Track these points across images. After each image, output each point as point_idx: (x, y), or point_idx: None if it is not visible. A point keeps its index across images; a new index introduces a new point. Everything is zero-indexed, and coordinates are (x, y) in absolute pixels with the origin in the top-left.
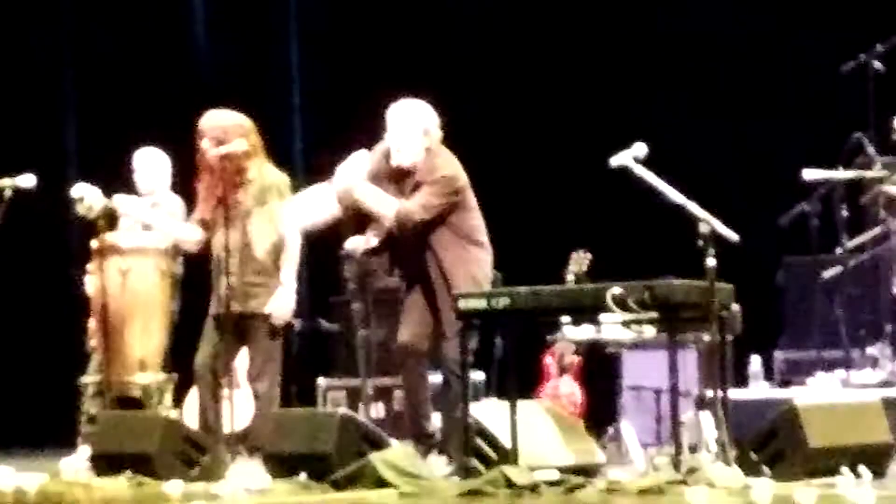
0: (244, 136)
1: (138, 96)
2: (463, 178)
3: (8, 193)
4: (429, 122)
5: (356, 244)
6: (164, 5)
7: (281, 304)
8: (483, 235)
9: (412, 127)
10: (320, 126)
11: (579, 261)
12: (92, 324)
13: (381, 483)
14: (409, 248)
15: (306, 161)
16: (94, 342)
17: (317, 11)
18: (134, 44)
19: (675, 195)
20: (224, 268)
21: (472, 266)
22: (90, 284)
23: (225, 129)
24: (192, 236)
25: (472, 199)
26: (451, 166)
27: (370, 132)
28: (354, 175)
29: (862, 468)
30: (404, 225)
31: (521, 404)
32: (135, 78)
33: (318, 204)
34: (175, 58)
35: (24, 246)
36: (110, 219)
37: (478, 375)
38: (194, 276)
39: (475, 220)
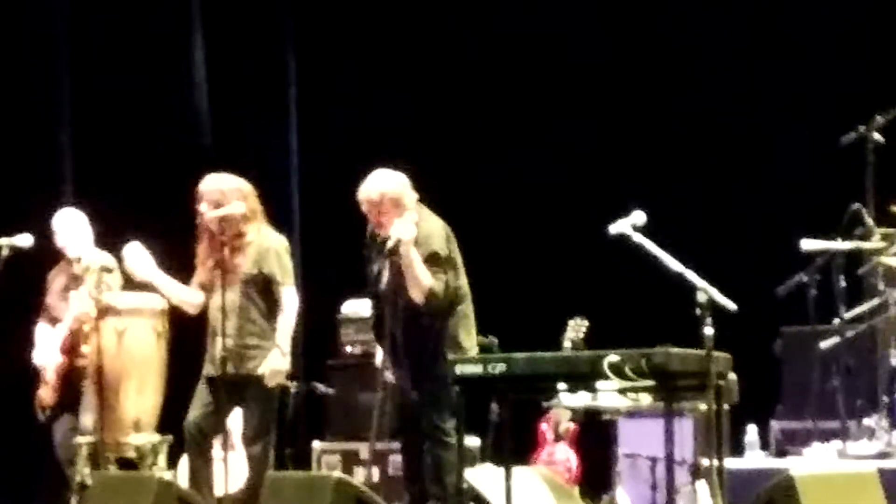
0: (242, 199)
1: (136, 159)
2: (452, 243)
3: (5, 252)
4: (409, 188)
5: (354, 308)
6: (165, 71)
7: (276, 366)
8: (465, 304)
9: (405, 200)
10: (318, 190)
11: (576, 328)
12: (42, 392)
13: None
14: (402, 318)
15: (304, 223)
16: (47, 412)
17: (316, 77)
18: (133, 105)
19: (673, 263)
20: (221, 330)
21: (452, 336)
22: (38, 353)
23: (223, 192)
24: (193, 299)
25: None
26: (440, 233)
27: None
28: (408, 233)
29: None
30: (435, 296)
31: (517, 470)
32: (133, 140)
33: None
34: (174, 122)
35: (21, 306)
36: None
37: (473, 441)
38: (187, 336)
39: (462, 288)
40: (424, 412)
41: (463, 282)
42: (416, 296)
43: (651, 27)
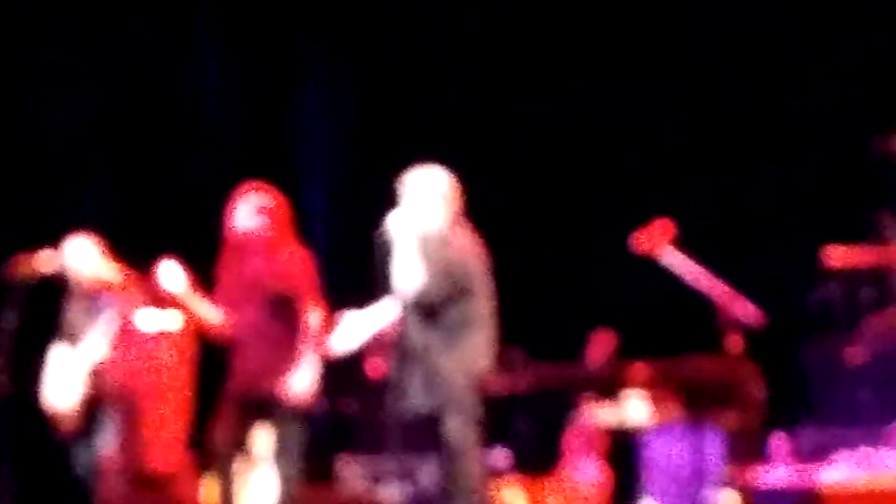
0: (270, 215)
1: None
2: (473, 260)
3: (31, 272)
4: (447, 190)
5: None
6: (181, 85)
7: (301, 384)
8: (481, 325)
9: (431, 193)
10: (345, 204)
11: (603, 340)
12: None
13: None
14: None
15: (329, 238)
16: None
17: (337, 91)
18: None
19: (700, 275)
20: (244, 348)
21: (466, 352)
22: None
23: (253, 206)
24: (221, 319)
25: (483, 282)
26: (461, 247)
27: (391, 205)
28: (404, 227)
29: None
30: (424, 298)
31: (543, 483)
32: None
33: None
34: (192, 138)
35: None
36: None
37: (500, 453)
38: (214, 355)
39: (479, 307)
40: (446, 425)
41: (479, 305)
42: (413, 295)
43: (675, 34)
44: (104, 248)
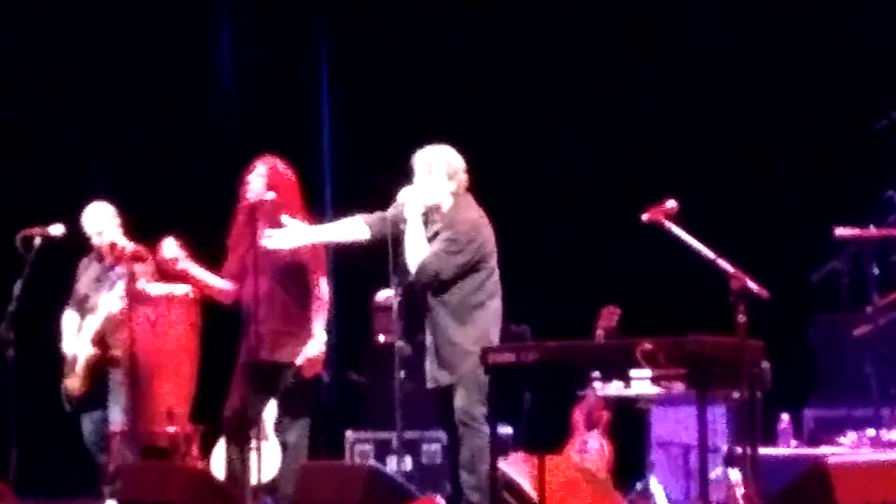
0: (283, 186)
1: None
2: (481, 236)
3: (38, 241)
4: (454, 166)
5: (387, 295)
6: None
7: (312, 354)
8: (493, 299)
9: (437, 169)
10: (351, 179)
11: (609, 316)
12: (70, 383)
13: None
14: (418, 306)
15: (336, 212)
16: (74, 402)
17: (348, 70)
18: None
19: (705, 251)
20: (253, 316)
21: (477, 328)
22: (66, 343)
23: (265, 177)
24: (227, 289)
25: (492, 259)
26: (468, 222)
27: (403, 183)
28: (413, 203)
29: None
30: (420, 276)
31: (550, 459)
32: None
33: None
34: (206, 115)
35: (53, 294)
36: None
37: (506, 429)
38: (224, 324)
39: (488, 283)
40: (454, 399)
41: (489, 285)
42: (412, 274)
43: (676, 22)
44: (120, 217)
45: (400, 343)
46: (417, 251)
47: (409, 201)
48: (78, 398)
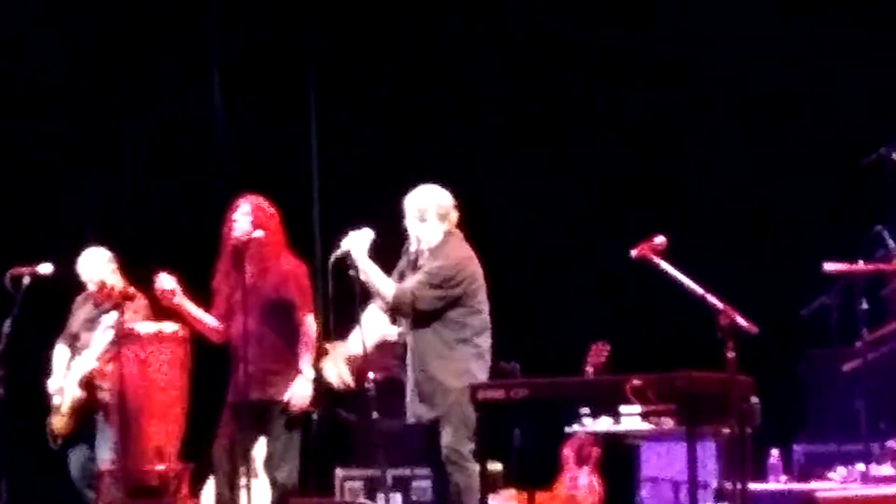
0: (268, 224)
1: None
2: (466, 272)
3: (27, 280)
4: (445, 206)
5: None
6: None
7: (299, 392)
8: (479, 337)
9: (430, 214)
10: (339, 216)
11: (598, 352)
12: (55, 421)
13: None
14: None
15: (325, 249)
16: (59, 441)
17: (336, 104)
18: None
19: (694, 287)
20: (242, 355)
21: (459, 364)
22: (53, 380)
23: (250, 215)
24: (218, 328)
25: (478, 295)
26: (455, 258)
27: (390, 223)
28: (360, 245)
29: None
30: (398, 308)
31: (540, 496)
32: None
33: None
34: (196, 150)
35: (42, 332)
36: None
37: (495, 466)
38: (212, 364)
39: (474, 320)
40: (441, 436)
41: (477, 324)
42: (388, 307)
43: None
44: (116, 262)
45: (370, 384)
46: (384, 285)
47: (353, 246)
48: (63, 437)
